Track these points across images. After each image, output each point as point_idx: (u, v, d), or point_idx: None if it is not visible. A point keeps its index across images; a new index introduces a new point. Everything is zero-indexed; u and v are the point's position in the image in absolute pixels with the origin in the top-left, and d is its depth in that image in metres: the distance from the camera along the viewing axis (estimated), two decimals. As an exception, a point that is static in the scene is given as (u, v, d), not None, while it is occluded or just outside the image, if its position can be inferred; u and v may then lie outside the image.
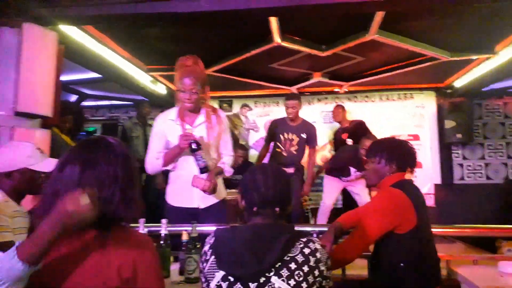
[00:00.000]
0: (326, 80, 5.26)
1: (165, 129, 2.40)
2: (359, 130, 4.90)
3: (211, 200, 2.42)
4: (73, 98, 6.12)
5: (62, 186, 1.08)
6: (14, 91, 2.61)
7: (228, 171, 2.53)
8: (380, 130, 5.48)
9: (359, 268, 2.15)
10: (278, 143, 4.20)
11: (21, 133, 2.61)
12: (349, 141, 4.96)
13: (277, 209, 1.31)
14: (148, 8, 2.88)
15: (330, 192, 4.54)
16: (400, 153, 1.91)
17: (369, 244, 1.77)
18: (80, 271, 1.11)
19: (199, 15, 2.85)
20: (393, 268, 1.72)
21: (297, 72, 5.19)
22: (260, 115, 6.35)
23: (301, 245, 1.22)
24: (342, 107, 5.38)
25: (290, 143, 4.14)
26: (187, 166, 2.36)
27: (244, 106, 6.49)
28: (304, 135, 4.14)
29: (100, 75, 4.76)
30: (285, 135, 4.15)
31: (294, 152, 4.13)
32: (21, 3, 2.83)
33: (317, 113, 6.20)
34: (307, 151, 4.29)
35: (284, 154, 4.14)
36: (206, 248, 1.31)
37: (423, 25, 3.77)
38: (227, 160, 2.52)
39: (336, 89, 5.85)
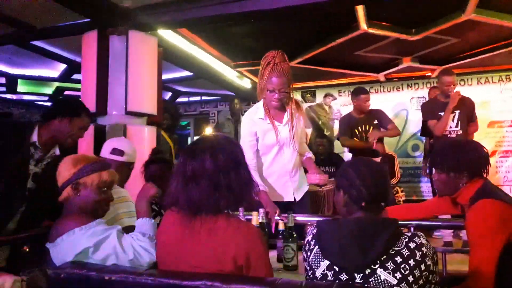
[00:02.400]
0: (417, 64, 4.99)
1: (256, 128, 2.36)
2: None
3: (302, 192, 2.46)
4: (168, 95, 6.59)
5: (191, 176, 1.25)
6: (124, 93, 2.90)
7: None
8: (479, 116, 5.06)
9: (455, 263, 2.06)
10: (355, 138, 4.18)
11: (132, 130, 2.90)
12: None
13: (383, 204, 1.32)
14: (237, 7, 2.99)
15: None
16: (469, 159, 1.71)
17: (493, 272, 1.56)
18: (197, 253, 1.23)
19: (287, 10, 2.88)
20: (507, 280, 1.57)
21: (384, 58, 5.00)
22: (344, 104, 6.23)
23: (406, 239, 1.21)
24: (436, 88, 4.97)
25: (366, 134, 4.09)
26: (279, 162, 2.39)
27: (328, 95, 6.42)
28: (375, 121, 4.08)
29: (191, 73, 5.06)
30: (359, 128, 4.11)
31: (374, 141, 4.04)
32: (126, 12, 3.12)
33: (406, 100, 5.91)
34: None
35: (366, 146, 4.07)
36: (309, 238, 1.35)
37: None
38: (311, 155, 2.54)
39: (428, 74, 5.51)
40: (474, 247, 1.58)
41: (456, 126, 3.78)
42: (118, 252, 1.34)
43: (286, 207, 2.28)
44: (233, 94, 6.26)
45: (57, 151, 2.09)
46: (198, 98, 7.13)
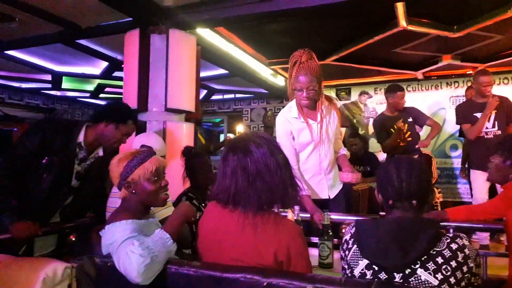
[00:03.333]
0: (458, 62, 4.82)
1: (291, 127, 2.37)
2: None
3: (337, 189, 2.46)
4: (203, 93, 6.69)
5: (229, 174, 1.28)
6: (164, 90, 2.99)
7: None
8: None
9: (496, 268, 1.99)
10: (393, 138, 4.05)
11: (172, 127, 2.98)
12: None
13: (414, 202, 1.29)
14: (274, 5, 3.01)
15: (480, 185, 3.81)
16: None
17: None
18: (238, 246, 1.26)
19: (324, 8, 2.87)
20: None
21: (423, 55, 4.87)
22: (380, 103, 6.10)
23: (448, 240, 1.19)
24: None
25: (402, 133, 3.98)
26: (313, 159, 2.40)
27: (363, 93, 6.32)
28: (410, 119, 3.98)
29: (227, 71, 5.12)
30: (395, 127, 3.99)
31: (409, 139, 3.97)
32: (166, 12, 3.20)
33: (445, 98, 5.74)
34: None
35: (401, 144, 3.99)
36: (348, 237, 1.35)
37: None
38: (346, 152, 2.53)
39: (469, 72, 5.32)
40: None
41: (493, 127, 3.66)
42: (114, 259, 1.33)
43: (321, 205, 2.29)
44: (266, 91, 6.29)
45: (100, 152, 2.15)
46: (232, 95, 7.19)
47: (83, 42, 4.19)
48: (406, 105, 4.11)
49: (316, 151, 2.38)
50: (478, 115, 3.66)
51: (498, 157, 1.77)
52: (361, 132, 6.05)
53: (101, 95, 6.89)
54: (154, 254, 1.28)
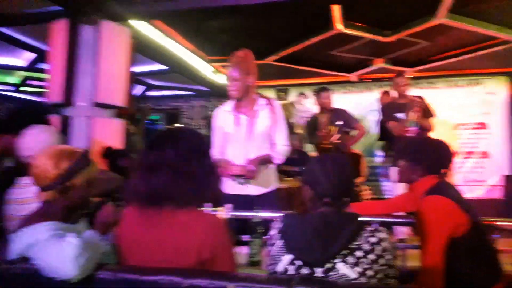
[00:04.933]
0: (389, 66, 5.09)
1: (222, 121, 2.47)
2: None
3: (263, 188, 2.48)
4: (140, 89, 6.47)
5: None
6: (92, 84, 2.83)
7: (278, 159, 2.53)
8: (445, 118, 5.23)
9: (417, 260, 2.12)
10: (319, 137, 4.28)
11: (99, 123, 2.83)
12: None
13: (347, 199, 1.35)
14: (213, 1, 2.96)
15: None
16: (430, 157, 1.82)
17: (443, 262, 1.64)
18: (160, 248, 1.21)
19: (261, 7, 2.88)
20: (456, 273, 1.65)
21: (358, 58, 5.07)
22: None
23: (367, 234, 1.23)
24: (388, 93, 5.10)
25: (330, 133, 4.19)
26: (240, 154, 2.42)
27: (301, 94, 6.48)
28: (341, 122, 4.17)
29: (166, 67, 4.98)
30: (323, 130, 4.21)
31: (338, 141, 4.16)
32: (98, 2, 3.03)
33: (377, 101, 6.03)
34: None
35: (330, 146, 4.18)
36: (273, 232, 1.36)
37: (496, 6, 3.51)
38: (279, 149, 2.53)
39: (400, 76, 5.64)
40: (422, 242, 1.66)
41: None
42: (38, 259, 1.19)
43: (245, 201, 2.33)
44: (207, 89, 6.21)
45: (9, 163, 1.99)
46: (171, 92, 7.02)
47: (5, 30, 3.87)
48: (341, 106, 4.28)
49: (243, 146, 2.41)
50: (399, 115, 3.93)
51: (400, 159, 1.89)
52: (297, 132, 6.18)
53: (28, 89, 6.40)
54: (92, 247, 1.19)
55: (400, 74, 4.12)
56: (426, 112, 3.93)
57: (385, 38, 4.10)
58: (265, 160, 2.45)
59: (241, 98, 2.40)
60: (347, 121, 4.22)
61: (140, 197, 1.24)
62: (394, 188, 4.08)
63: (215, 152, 2.46)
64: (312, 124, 4.35)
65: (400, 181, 1.94)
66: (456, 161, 5.56)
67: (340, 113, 4.25)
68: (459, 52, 4.66)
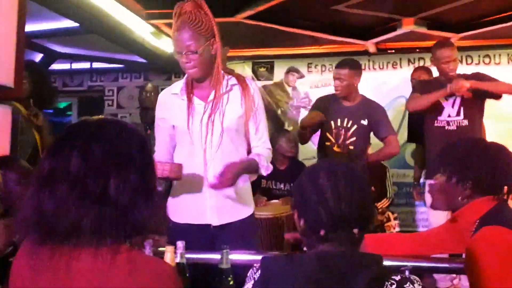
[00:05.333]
0: (423, 30, 5.16)
1: (168, 110, 2.54)
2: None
3: (231, 215, 2.50)
4: (37, 57, 6.36)
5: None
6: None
7: (265, 168, 2.56)
8: (508, 110, 5.38)
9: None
10: (327, 134, 4.28)
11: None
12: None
13: (356, 230, 1.34)
14: None
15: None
16: (480, 167, 1.83)
17: None
18: None
19: None
20: None
21: (376, 17, 5.13)
22: (316, 86, 6.35)
23: (394, 286, 1.25)
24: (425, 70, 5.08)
25: (345, 133, 4.21)
26: (193, 160, 2.45)
27: (291, 70, 6.53)
28: (365, 122, 4.19)
29: (76, 24, 4.90)
30: (338, 121, 4.23)
31: (351, 147, 4.19)
32: None
33: (406, 82, 6.09)
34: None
35: (337, 149, 4.22)
36: (250, 285, 1.36)
37: None
38: (263, 152, 2.57)
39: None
40: None
41: (458, 115, 4.00)
42: None
43: (211, 237, 2.42)
44: (144, 61, 6.17)
45: None
46: (87, 65, 7.00)
47: None
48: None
49: (198, 149, 2.44)
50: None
51: (440, 176, 1.90)
52: (288, 128, 6.20)
53: None
54: None
55: (442, 43, 4.17)
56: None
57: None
58: (249, 167, 2.49)
59: (201, 77, 2.44)
60: (378, 125, 4.22)
61: (28, 227, 1.22)
62: (432, 215, 4.14)
63: (158, 157, 2.47)
64: (321, 106, 4.37)
65: (436, 206, 1.97)
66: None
67: (370, 109, 4.26)
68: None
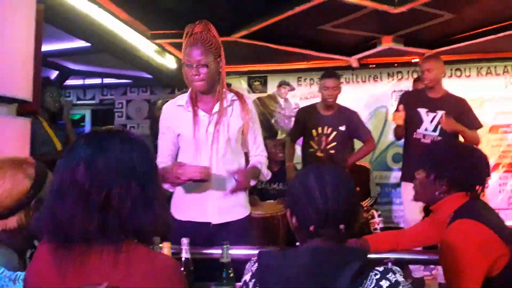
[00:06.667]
0: (400, 47, 5.18)
1: (174, 120, 2.55)
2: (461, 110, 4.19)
3: (230, 215, 2.53)
4: (53, 74, 6.35)
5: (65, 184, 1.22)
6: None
7: (266, 174, 2.66)
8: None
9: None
10: (310, 141, 4.36)
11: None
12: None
13: (342, 226, 1.35)
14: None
15: (411, 205, 4.18)
16: (459, 170, 1.87)
17: None
18: None
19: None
20: None
21: (358, 36, 5.16)
22: (305, 97, 6.36)
23: (378, 276, 1.25)
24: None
25: (326, 139, 4.28)
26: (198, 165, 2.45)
27: (283, 84, 6.54)
28: (343, 127, 4.28)
29: (88, 44, 4.91)
30: (319, 129, 4.30)
31: (332, 152, 4.26)
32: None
33: (386, 93, 6.16)
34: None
35: (320, 154, 4.28)
36: (247, 277, 1.37)
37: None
38: (262, 160, 2.64)
39: (415, 60, 5.76)
40: (449, 281, 1.70)
41: (434, 131, 4.01)
42: None
43: (213, 234, 2.42)
44: (150, 77, 6.17)
45: None
46: (98, 81, 6.99)
47: None
48: (343, 103, 4.39)
49: (203, 155, 2.47)
50: (422, 110, 4.02)
51: (421, 172, 1.94)
52: (280, 136, 6.21)
53: None
54: None
55: (425, 57, 4.24)
56: (467, 121, 3.96)
57: (393, 9, 4.17)
58: (256, 174, 2.57)
59: (207, 90, 2.46)
60: (356, 129, 4.33)
61: (45, 233, 1.24)
62: (408, 211, 4.20)
63: (161, 162, 2.50)
64: (303, 120, 4.45)
65: (417, 198, 1.99)
66: (496, 176, 5.71)
67: (347, 116, 4.34)
68: (495, 28, 4.77)
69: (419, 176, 1.95)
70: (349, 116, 4.36)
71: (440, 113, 3.94)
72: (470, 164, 1.90)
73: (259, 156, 2.64)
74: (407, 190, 3.96)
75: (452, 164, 1.88)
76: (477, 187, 1.89)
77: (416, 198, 2.02)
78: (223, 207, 2.49)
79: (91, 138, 1.28)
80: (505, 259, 1.68)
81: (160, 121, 2.62)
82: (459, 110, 3.99)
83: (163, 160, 2.51)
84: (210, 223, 2.49)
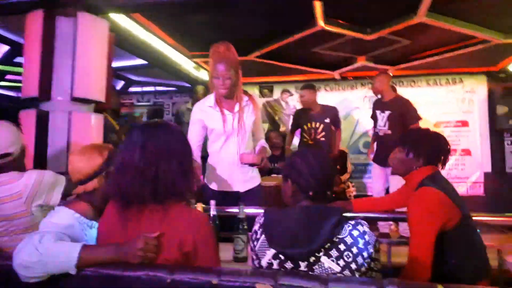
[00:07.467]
0: (371, 64, 5.14)
1: (204, 116, 2.47)
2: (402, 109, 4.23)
3: (250, 184, 2.53)
4: (120, 84, 6.38)
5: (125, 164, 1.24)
6: (70, 78, 2.77)
7: (269, 153, 2.65)
8: (426, 116, 5.33)
9: (404, 256, 2.15)
10: (303, 134, 4.40)
11: (78, 118, 2.78)
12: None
13: (329, 192, 1.37)
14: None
15: (377, 179, 4.32)
16: (431, 148, 1.83)
17: (431, 255, 1.64)
18: None
19: (244, 1, 2.88)
20: (443, 265, 1.66)
21: (340, 56, 5.12)
22: (301, 101, 6.32)
23: (350, 227, 1.25)
24: (388, 76, 4.32)
25: (315, 131, 4.30)
26: (227, 151, 2.45)
27: (285, 91, 6.51)
28: (327, 120, 4.31)
29: (146, 62, 4.93)
30: (309, 124, 4.33)
31: (322, 139, 4.27)
32: (75, -7, 2.97)
33: (359, 98, 6.11)
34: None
35: (311, 142, 4.29)
36: (256, 227, 1.37)
37: (475, 6, 3.59)
38: (264, 142, 2.64)
39: (381, 74, 5.70)
40: (411, 234, 1.66)
41: (385, 126, 4.03)
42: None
43: (232, 198, 2.39)
44: (189, 85, 6.17)
45: None
46: (152, 88, 6.97)
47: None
48: (328, 103, 4.46)
49: (231, 143, 2.45)
50: (378, 112, 4.10)
51: (401, 150, 1.87)
52: (282, 129, 6.22)
53: (2, 83, 6.23)
54: (46, 261, 1.14)
55: (380, 72, 4.26)
56: (409, 116, 3.92)
57: (366, 36, 4.15)
58: (265, 152, 2.56)
59: (228, 95, 2.43)
60: (334, 121, 4.36)
61: (119, 194, 1.25)
62: (374, 181, 4.22)
63: (193, 146, 2.45)
64: (298, 119, 4.49)
65: (396, 172, 1.92)
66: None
67: (329, 111, 4.37)
68: (439, 51, 4.75)
69: (399, 155, 1.87)
70: (330, 110, 4.42)
71: (388, 112, 3.99)
72: (437, 143, 1.84)
73: (262, 139, 2.64)
74: (376, 169, 4.16)
75: (426, 144, 1.82)
76: (441, 163, 1.83)
77: (393, 172, 1.94)
78: (245, 179, 2.50)
79: (143, 129, 1.28)
80: (457, 219, 1.65)
81: (193, 114, 2.51)
82: (403, 109, 3.96)
83: (196, 143, 2.44)
84: (238, 191, 2.48)
